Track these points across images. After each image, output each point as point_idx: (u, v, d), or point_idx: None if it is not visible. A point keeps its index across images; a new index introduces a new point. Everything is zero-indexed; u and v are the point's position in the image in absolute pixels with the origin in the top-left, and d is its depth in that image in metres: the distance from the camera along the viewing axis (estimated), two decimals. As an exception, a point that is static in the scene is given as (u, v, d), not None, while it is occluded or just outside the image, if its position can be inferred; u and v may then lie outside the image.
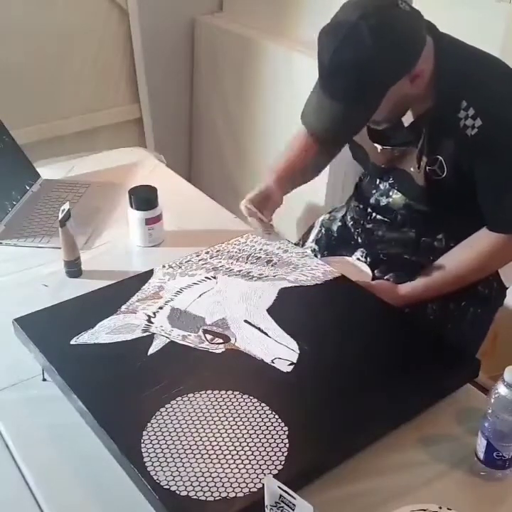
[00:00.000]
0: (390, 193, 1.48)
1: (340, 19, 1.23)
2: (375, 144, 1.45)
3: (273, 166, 1.58)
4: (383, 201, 1.50)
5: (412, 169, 1.39)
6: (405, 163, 1.41)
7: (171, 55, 2.96)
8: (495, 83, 1.30)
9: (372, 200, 1.53)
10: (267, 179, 1.52)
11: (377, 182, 1.51)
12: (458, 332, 1.46)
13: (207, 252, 1.52)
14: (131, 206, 1.63)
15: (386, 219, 1.52)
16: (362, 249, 1.57)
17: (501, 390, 0.98)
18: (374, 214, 1.55)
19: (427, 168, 1.35)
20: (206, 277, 1.43)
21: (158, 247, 1.66)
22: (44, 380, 1.23)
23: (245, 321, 1.29)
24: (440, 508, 0.95)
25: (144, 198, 1.63)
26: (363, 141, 1.48)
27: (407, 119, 1.37)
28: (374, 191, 1.52)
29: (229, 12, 2.92)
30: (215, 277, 1.43)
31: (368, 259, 1.55)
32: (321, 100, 1.29)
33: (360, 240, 1.60)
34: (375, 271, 1.52)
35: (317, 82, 1.30)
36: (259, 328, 1.27)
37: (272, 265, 1.47)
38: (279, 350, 1.21)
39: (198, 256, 1.50)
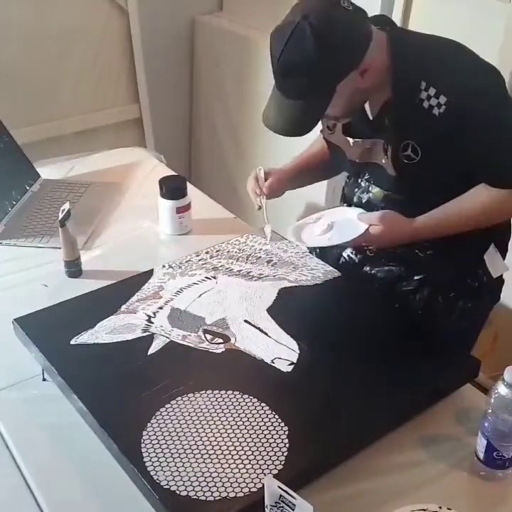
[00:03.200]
0: (370, 189, 1.51)
1: (287, 20, 1.26)
2: (347, 138, 1.48)
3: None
4: (365, 198, 1.53)
5: (383, 161, 1.42)
6: (376, 156, 1.44)
7: (170, 55, 2.96)
8: (448, 58, 1.33)
9: (355, 199, 1.56)
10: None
11: (359, 180, 1.55)
12: (447, 327, 1.46)
13: (207, 252, 1.52)
14: (162, 196, 1.66)
15: None
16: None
17: (501, 390, 0.98)
18: None
19: (401, 154, 1.37)
20: (206, 277, 1.43)
21: (187, 235, 1.70)
22: (44, 380, 1.23)
23: (245, 321, 1.29)
24: (440, 508, 0.95)
25: (175, 187, 1.68)
26: (338, 138, 1.52)
27: (373, 110, 1.41)
28: (356, 189, 1.56)
29: (229, 12, 2.92)
30: (215, 277, 1.43)
31: (358, 255, 1.55)
32: (276, 100, 1.32)
33: None
34: (365, 266, 1.53)
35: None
36: (259, 328, 1.27)
37: (272, 265, 1.47)
38: (279, 350, 1.21)
39: (197, 256, 1.50)
